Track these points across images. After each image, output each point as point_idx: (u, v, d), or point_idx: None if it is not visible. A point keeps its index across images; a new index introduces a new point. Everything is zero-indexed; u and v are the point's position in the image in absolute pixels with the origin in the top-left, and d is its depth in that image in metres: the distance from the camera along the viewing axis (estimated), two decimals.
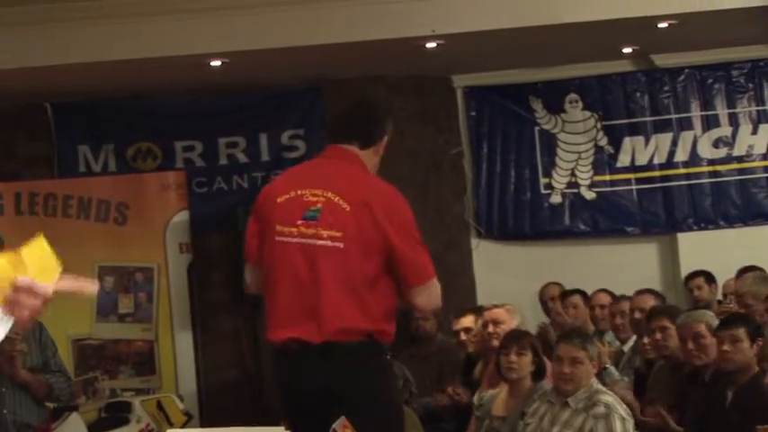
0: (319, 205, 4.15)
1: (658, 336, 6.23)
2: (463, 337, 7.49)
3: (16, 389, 5.88)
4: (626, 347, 7.26)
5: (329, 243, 4.11)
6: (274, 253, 4.21)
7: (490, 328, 6.77)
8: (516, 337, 6.06)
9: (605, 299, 8.05)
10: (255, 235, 4.36)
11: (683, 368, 6.00)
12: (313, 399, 4.17)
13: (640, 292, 7.48)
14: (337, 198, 4.14)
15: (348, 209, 4.11)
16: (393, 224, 4.12)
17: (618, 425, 5.24)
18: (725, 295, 8.08)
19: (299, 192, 4.21)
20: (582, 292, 8.24)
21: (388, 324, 4.18)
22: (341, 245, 4.10)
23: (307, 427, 4.19)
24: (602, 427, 5.25)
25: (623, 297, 7.73)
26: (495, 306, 6.91)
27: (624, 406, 5.40)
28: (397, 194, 4.23)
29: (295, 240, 4.17)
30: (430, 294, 4.24)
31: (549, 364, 5.88)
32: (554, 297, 8.55)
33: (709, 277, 8.34)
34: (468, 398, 6.93)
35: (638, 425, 5.60)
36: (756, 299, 6.94)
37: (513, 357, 5.91)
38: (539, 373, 5.89)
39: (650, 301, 7.20)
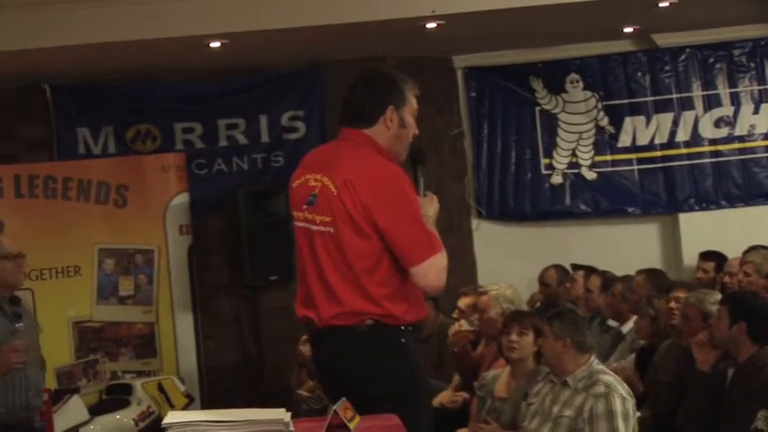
0: (316, 191, 4.13)
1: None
2: (456, 316, 7.51)
3: (19, 371, 5.91)
4: (625, 329, 7.26)
5: (322, 228, 4.10)
6: (295, 236, 4.26)
7: (476, 315, 6.84)
8: (518, 317, 6.05)
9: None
10: None
11: (688, 348, 6.00)
12: (327, 375, 4.24)
13: (640, 273, 7.52)
14: (329, 182, 4.10)
15: (335, 192, 4.06)
16: (379, 202, 4.01)
17: (618, 404, 5.22)
18: (728, 274, 8.06)
19: (307, 176, 4.20)
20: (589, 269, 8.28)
21: (394, 306, 4.06)
22: (331, 229, 4.07)
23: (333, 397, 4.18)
24: (603, 407, 5.23)
25: (616, 278, 7.74)
26: (489, 290, 6.91)
27: (625, 386, 5.38)
28: (387, 171, 4.08)
29: (301, 225, 4.19)
30: (427, 274, 4.03)
31: None
32: (550, 283, 8.52)
33: (720, 263, 8.26)
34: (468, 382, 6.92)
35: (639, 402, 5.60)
36: (758, 273, 7.01)
37: (515, 337, 5.90)
38: (541, 354, 5.87)
39: (642, 282, 7.26)
